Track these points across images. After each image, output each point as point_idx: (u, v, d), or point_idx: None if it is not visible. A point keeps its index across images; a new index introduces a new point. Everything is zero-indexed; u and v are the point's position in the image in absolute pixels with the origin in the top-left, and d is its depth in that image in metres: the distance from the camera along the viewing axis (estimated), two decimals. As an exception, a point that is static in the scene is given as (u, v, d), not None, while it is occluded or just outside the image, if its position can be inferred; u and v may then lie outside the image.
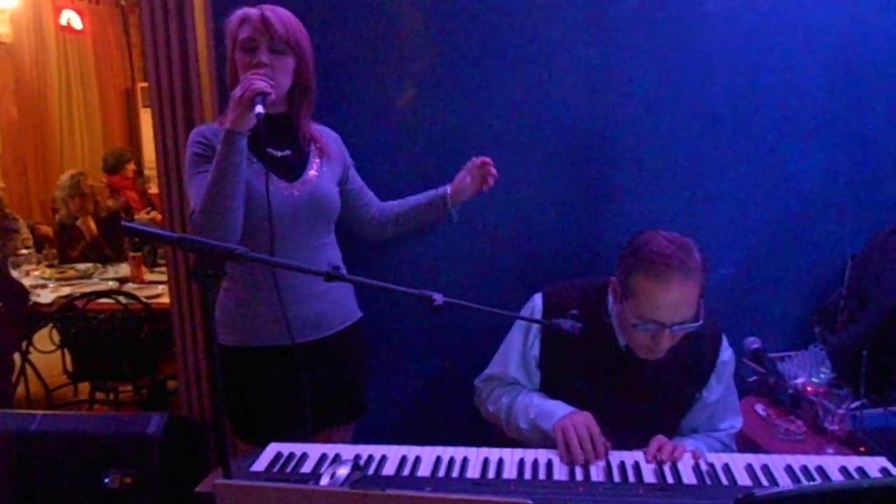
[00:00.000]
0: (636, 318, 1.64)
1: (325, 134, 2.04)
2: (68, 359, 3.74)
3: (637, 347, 1.72)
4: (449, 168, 2.15)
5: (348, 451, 1.66)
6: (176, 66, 2.31)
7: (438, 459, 1.60)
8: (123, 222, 1.28)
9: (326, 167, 1.98)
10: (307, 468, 1.59)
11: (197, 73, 2.31)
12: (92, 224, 4.52)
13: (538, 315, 1.85)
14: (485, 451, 1.63)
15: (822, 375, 2.09)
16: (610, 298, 1.79)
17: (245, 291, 1.93)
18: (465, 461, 1.59)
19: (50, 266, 4.20)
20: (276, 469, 1.59)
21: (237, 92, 1.72)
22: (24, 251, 4.20)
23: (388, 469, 1.58)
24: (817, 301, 2.34)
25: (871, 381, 1.86)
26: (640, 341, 1.69)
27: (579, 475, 1.54)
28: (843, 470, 1.51)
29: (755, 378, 2.17)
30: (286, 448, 1.67)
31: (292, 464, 1.61)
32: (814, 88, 2.24)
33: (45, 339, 3.71)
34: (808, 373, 2.11)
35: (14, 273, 3.90)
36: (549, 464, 1.59)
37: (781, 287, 2.37)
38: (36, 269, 4.18)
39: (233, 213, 1.76)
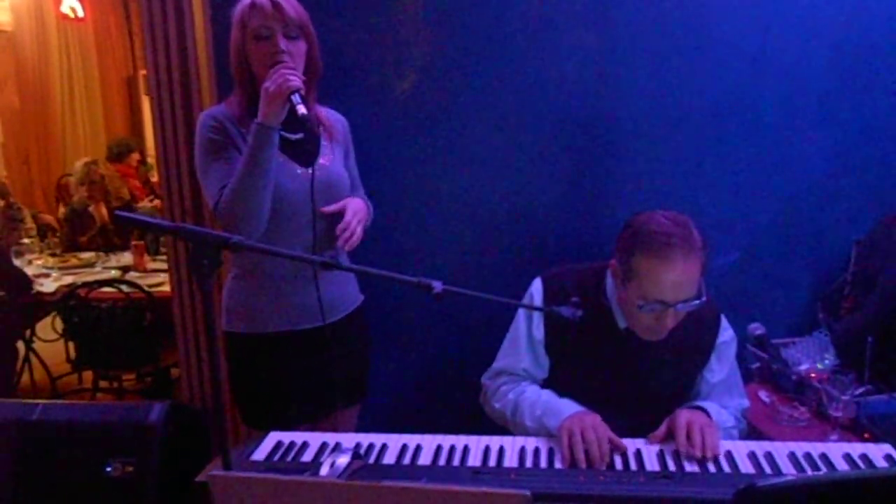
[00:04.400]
0: (640, 300, 1.63)
1: (332, 116, 2.03)
2: (71, 347, 3.74)
3: (640, 329, 1.70)
4: (447, 155, 2.14)
5: (349, 439, 1.66)
6: (174, 54, 2.30)
7: (439, 448, 1.59)
8: (118, 212, 1.27)
9: (335, 150, 1.97)
10: (307, 457, 1.58)
11: (195, 60, 2.30)
12: (103, 211, 4.55)
13: (539, 299, 1.84)
14: (486, 440, 1.62)
15: (827, 362, 2.08)
16: (608, 281, 1.78)
17: (253, 280, 1.93)
18: (466, 449, 1.58)
19: (53, 255, 4.20)
20: (276, 458, 1.59)
21: (270, 86, 1.69)
22: (27, 240, 4.19)
23: (389, 458, 1.57)
24: (822, 287, 2.33)
25: (876, 368, 1.84)
26: (645, 322, 1.67)
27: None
28: (847, 457, 1.50)
29: (758, 365, 2.16)
30: (287, 437, 1.67)
31: (293, 452, 1.60)
32: (818, 72, 2.21)
33: (47, 327, 3.72)
34: (812, 359, 2.10)
35: (17, 262, 3.90)
36: (551, 452, 1.58)
37: (785, 273, 2.36)
38: (39, 258, 4.18)
39: (263, 205, 1.75)
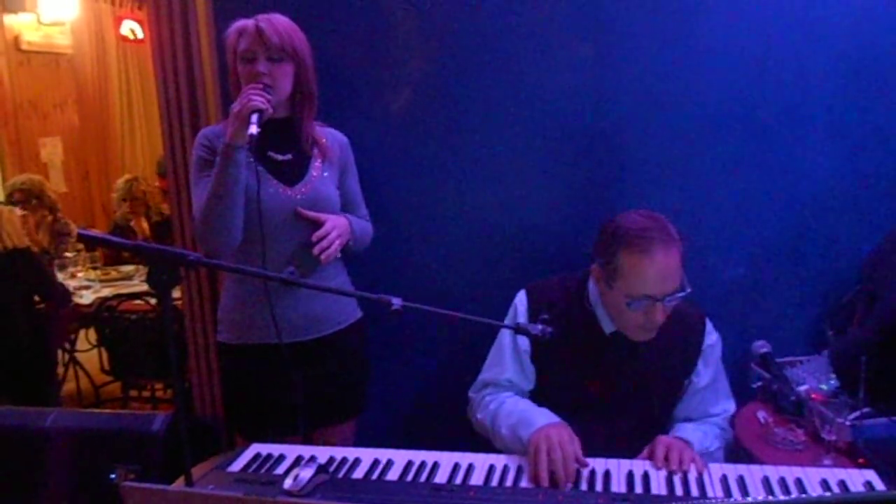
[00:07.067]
0: (627, 297, 1.65)
1: (330, 136, 2.06)
2: (105, 357, 3.89)
3: (631, 330, 1.72)
4: (445, 170, 2.15)
5: (325, 452, 1.68)
6: (182, 74, 2.38)
7: (410, 463, 1.60)
8: (80, 230, 1.32)
9: (328, 170, 2.00)
10: (281, 469, 1.61)
11: (202, 80, 2.38)
12: (145, 225, 4.73)
13: (523, 311, 1.86)
14: (457, 456, 1.62)
15: (832, 382, 1.99)
16: (590, 288, 1.79)
17: (242, 291, 1.98)
18: (435, 466, 1.58)
19: (94, 268, 4.38)
20: (251, 469, 1.62)
21: (235, 106, 1.78)
22: (70, 254, 4.38)
23: (359, 472, 1.58)
24: (832, 303, 2.23)
25: (877, 389, 1.75)
26: (634, 321, 1.69)
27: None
28: (824, 483, 1.44)
29: (761, 384, 2.08)
30: (266, 449, 1.70)
31: (268, 465, 1.63)
32: (824, 80, 2.13)
33: (82, 338, 3.88)
34: (817, 379, 2.01)
35: (60, 275, 4.08)
36: (519, 470, 1.57)
37: (795, 288, 2.27)
38: (81, 271, 4.36)
39: (231, 222, 1.83)
